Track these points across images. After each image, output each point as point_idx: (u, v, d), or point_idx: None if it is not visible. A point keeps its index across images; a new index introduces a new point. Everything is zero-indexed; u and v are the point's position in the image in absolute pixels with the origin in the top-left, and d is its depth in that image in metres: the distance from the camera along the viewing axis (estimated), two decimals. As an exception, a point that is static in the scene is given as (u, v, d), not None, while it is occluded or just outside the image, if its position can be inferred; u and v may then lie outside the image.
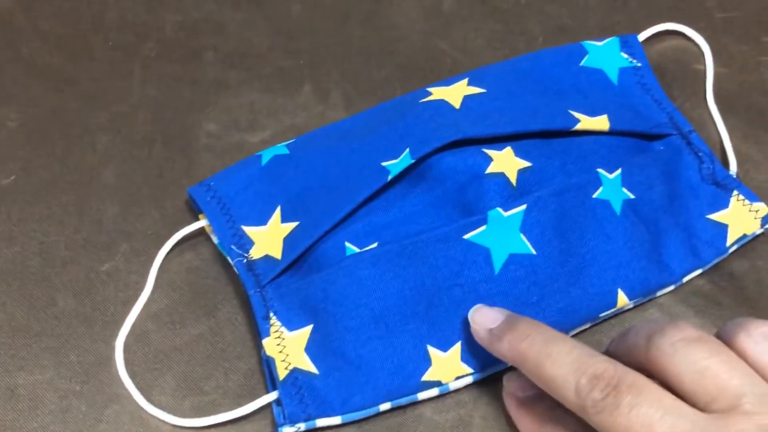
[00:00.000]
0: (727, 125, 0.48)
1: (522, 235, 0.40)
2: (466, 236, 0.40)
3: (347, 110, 0.48)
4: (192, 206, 0.44)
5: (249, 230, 0.42)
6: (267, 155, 0.44)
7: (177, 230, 0.43)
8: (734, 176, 0.45)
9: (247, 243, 0.41)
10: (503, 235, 0.40)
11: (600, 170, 0.43)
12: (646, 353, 0.32)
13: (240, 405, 0.38)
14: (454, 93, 0.45)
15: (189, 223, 0.43)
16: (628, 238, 0.41)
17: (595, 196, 0.42)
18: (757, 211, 0.43)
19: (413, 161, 0.41)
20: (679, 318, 0.42)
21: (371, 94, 0.49)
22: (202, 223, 0.43)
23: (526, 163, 0.42)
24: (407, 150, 0.41)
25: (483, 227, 0.40)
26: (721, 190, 0.44)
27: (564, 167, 0.43)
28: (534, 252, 0.40)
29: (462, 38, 0.51)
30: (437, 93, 0.45)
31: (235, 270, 0.41)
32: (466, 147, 0.42)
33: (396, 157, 0.42)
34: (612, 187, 0.42)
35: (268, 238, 0.41)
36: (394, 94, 0.49)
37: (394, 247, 0.40)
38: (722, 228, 0.43)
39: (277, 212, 0.42)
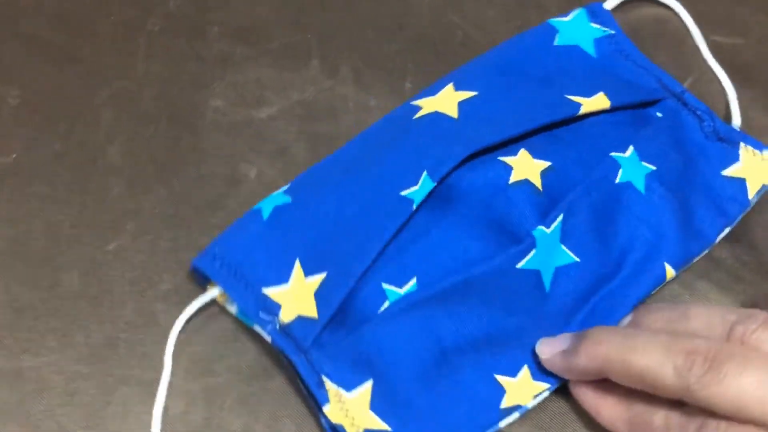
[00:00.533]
0: (746, 97, 0.47)
1: (563, 246, 0.39)
2: (519, 265, 0.39)
3: (357, 84, 0.47)
4: (197, 276, 0.40)
5: (272, 292, 0.38)
6: (267, 208, 0.40)
7: (188, 218, 0.42)
8: (737, 129, 0.45)
9: (273, 307, 0.38)
10: (549, 252, 0.39)
11: (614, 154, 0.42)
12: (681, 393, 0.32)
13: None
14: (445, 101, 0.43)
15: (199, 201, 0.42)
16: (660, 212, 0.41)
17: (617, 181, 0.41)
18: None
19: (435, 185, 0.39)
20: (701, 294, 0.41)
21: (381, 68, 0.48)
22: (214, 293, 0.39)
23: (546, 163, 0.41)
24: (424, 174, 0.39)
25: (533, 251, 0.39)
26: (727, 145, 0.44)
27: (580, 159, 0.42)
28: (577, 259, 0.40)
29: (474, 11, 0.50)
30: (427, 105, 0.43)
31: (267, 338, 0.38)
32: (480, 157, 0.41)
33: (414, 183, 0.39)
34: (631, 166, 0.42)
35: (296, 296, 0.38)
36: (405, 68, 0.48)
37: (443, 286, 0.38)
38: (740, 182, 0.43)
39: (297, 267, 0.39)
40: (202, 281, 0.40)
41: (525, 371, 0.38)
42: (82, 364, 0.39)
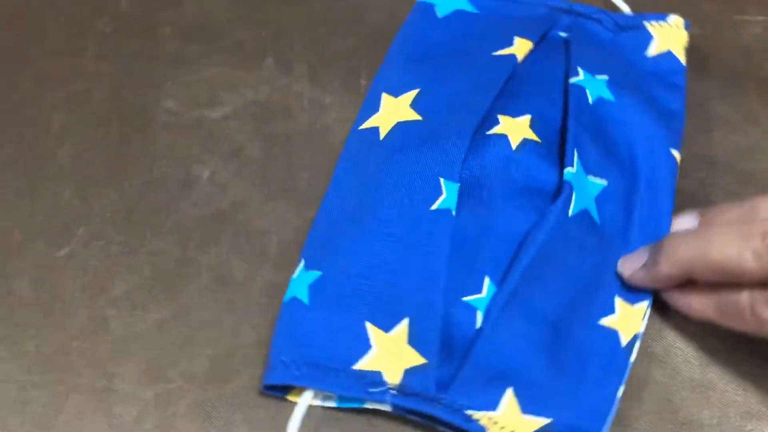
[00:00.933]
0: (705, 87, 0.47)
1: (590, 177, 0.41)
2: (570, 212, 0.39)
3: (312, 82, 0.46)
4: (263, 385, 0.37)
5: (363, 365, 0.36)
6: (301, 292, 0.38)
7: (139, 222, 0.41)
8: (631, 14, 0.48)
9: (374, 376, 0.35)
10: (583, 188, 0.40)
11: (573, 80, 0.43)
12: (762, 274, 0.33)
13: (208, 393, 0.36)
14: (398, 110, 0.43)
15: (151, 204, 0.42)
16: (635, 109, 0.43)
17: (591, 101, 0.43)
18: (675, 23, 0.47)
19: (459, 184, 0.39)
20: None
21: (337, 65, 0.47)
22: (308, 398, 0.36)
23: (527, 117, 0.42)
24: (442, 180, 0.39)
25: (574, 195, 0.39)
26: (635, 31, 0.47)
27: (550, 99, 0.44)
28: (605, 182, 0.41)
29: (429, 5, 0.49)
30: (383, 122, 0.42)
31: (388, 407, 0.36)
32: (473, 145, 0.41)
33: (439, 193, 0.39)
34: (592, 84, 0.43)
35: (390, 354, 0.36)
36: (360, 64, 0.47)
37: (520, 268, 0.37)
38: (667, 54, 0.46)
39: (372, 328, 0.36)
40: (278, 392, 0.37)
41: (620, 302, 0.38)
42: (33, 372, 0.38)
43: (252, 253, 0.41)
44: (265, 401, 0.37)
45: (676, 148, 0.43)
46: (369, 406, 0.36)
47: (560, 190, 0.39)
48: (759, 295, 0.33)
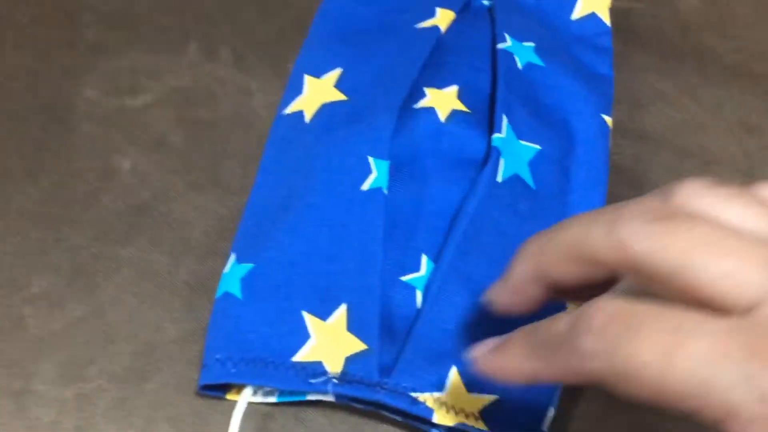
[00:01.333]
0: (642, 62, 0.46)
1: (522, 142, 0.40)
2: (499, 178, 0.38)
3: (237, 67, 0.45)
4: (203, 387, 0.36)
5: (303, 356, 0.35)
6: (233, 287, 0.36)
7: (57, 216, 0.40)
8: None
9: (315, 367, 0.34)
10: (515, 153, 0.39)
11: (500, 46, 0.43)
12: (615, 252, 0.25)
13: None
14: (323, 92, 0.41)
15: (69, 198, 0.40)
16: (564, 74, 0.43)
17: (520, 67, 0.42)
18: None
19: (389, 162, 0.38)
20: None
21: (264, 50, 0.46)
22: (247, 395, 0.35)
23: (454, 88, 0.42)
24: (371, 159, 0.38)
25: (502, 161, 0.38)
26: None
27: (478, 67, 0.43)
28: (538, 146, 0.40)
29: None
30: (307, 105, 0.41)
31: (331, 398, 0.35)
32: (401, 120, 0.39)
33: (369, 173, 0.38)
34: (519, 50, 0.43)
35: (330, 342, 0.35)
36: (289, 47, 0.46)
37: (455, 242, 0.36)
38: (591, 16, 0.46)
39: (309, 317, 0.35)
40: (216, 391, 0.36)
41: None
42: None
43: (174, 245, 0.40)
44: (188, 399, 0.36)
45: (607, 113, 0.42)
46: (312, 397, 0.35)
47: (488, 156, 0.38)
48: (581, 321, 0.24)
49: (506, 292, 0.30)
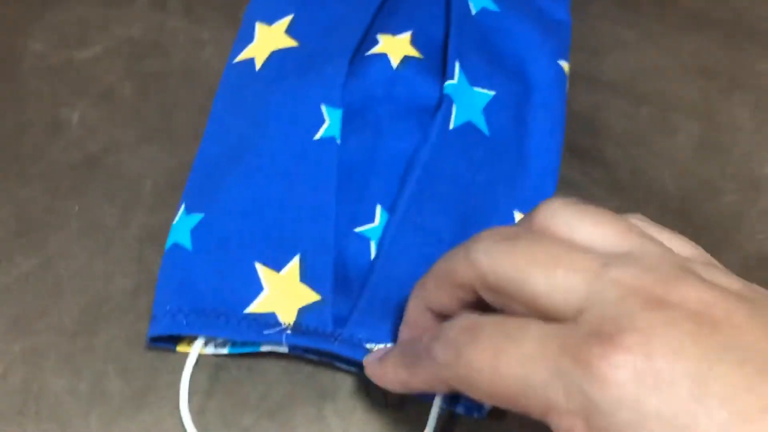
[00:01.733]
0: (600, 9, 0.45)
1: (476, 88, 0.39)
2: (451, 125, 0.38)
3: (188, 17, 0.44)
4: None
5: (255, 307, 0.34)
6: (182, 237, 0.36)
7: (5, 169, 0.39)
8: None
9: (268, 318, 0.34)
10: (468, 100, 0.39)
11: None
12: (469, 271, 0.27)
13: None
14: (273, 38, 0.40)
15: (17, 152, 0.40)
16: (520, 20, 0.42)
17: (473, 13, 0.42)
18: None
19: (342, 110, 0.37)
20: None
21: (215, -2, 0.45)
22: (197, 350, 0.34)
23: (407, 34, 0.41)
24: (323, 107, 0.37)
25: (454, 107, 0.38)
26: None
27: (431, 13, 0.42)
28: (492, 92, 0.40)
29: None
30: (258, 52, 0.40)
31: (284, 349, 0.35)
32: (352, 66, 0.39)
33: (322, 122, 0.37)
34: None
35: (283, 294, 0.34)
36: (240, -4, 0.45)
37: (411, 192, 0.36)
38: None
39: (262, 268, 0.35)
40: (166, 343, 0.35)
41: (520, 216, 0.37)
42: None
43: (124, 198, 0.39)
44: (139, 351, 0.35)
45: (565, 58, 0.42)
46: (264, 349, 0.35)
47: (440, 104, 0.38)
48: (438, 334, 0.27)
49: (406, 329, 0.32)
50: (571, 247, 0.26)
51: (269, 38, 0.40)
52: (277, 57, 0.40)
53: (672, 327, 0.23)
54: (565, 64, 0.41)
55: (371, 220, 0.37)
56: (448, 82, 0.38)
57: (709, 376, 0.22)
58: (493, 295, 0.27)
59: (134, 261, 0.37)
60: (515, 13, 0.42)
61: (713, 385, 0.22)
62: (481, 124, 0.38)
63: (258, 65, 0.40)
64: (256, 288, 0.34)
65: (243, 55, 0.40)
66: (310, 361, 0.35)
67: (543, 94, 0.40)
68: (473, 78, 0.39)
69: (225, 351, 0.35)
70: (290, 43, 0.40)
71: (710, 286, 0.24)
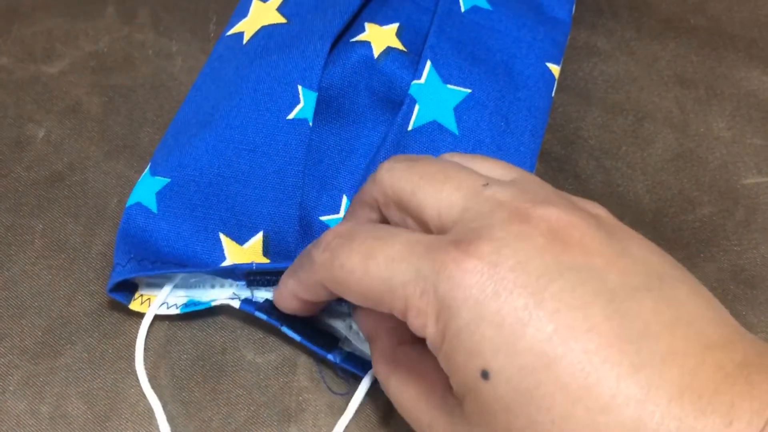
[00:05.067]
0: (575, 16, 0.45)
1: (449, 86, 0.39)
2: (410, 126, 0.37)
3: (156, 30, 0.43)
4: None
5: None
6: (147, 199, 0.36)
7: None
8: None
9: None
10: (438, 99, 0.38)
11: None
12: (376, 187, 0.30)
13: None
14: (264, 14, 0.40)
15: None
16: (514, 19, 0.41)
17: (463, 10, 0.41)
18: None
19: (317, 93, 0.37)
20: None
21: (183, 10, 0.44)
22: (167, 291, 0.35)
23: (394, 25, 0.40)
24: (300, 87, 0.37)
25: (417, 107, 0.38)
26: None
27: (419, 6, 0.42)
28: (468, 90, 0.39)
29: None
30: (248, 27, 0.40)
31: (236, 305, 0.35)
32: (335, 51, 0.39)
33: (297, 102, 0.37)
34: None
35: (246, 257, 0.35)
36: (210, 7, 0.44)
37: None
38: None
39: (226, 239, 0.35)
40: (121, 297, 0.36)
41: None
42: None
43: (89, 215, 0.39)
44: (102, 373, 0.35)
45: (555, 61, 0.41)
46: (216, 303, 0.35)
47: (402, 103, 0.38)
48: (319, 240, 0.29)
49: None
50: (462, 168, 0.28)
51: (261, 14, 0.40)
52: (264, 32, 0.39)
53: (524, 240, 0.24)
54: (554, 67, 0.41)
55: (336, 210, 0.37)
56: (414, 82, 0.38)
57: (546, 290, 0.24)
58: (392, 210, 0.29)
59: (98, 280, 0.37)
60: (508, 11, 0.42)
61: (547, 300, 0.23)
62: (450, 122, 0.38)
63: (245, 39, 0.39)
64: (218, 256, 0.35)
65: (235, 29, 0.40)
66: (274, 383, 0.35)
67: (527, 94, 0.39)
68: (447, 75, 0.39)
69: (177, 311, 0.35)
70: (279, 19, 0.39)
71: (575, 210, 0.26)
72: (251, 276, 0.35)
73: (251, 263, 0.34)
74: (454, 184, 0.27)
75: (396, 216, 0.29)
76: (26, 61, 0.42)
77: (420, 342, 0.30)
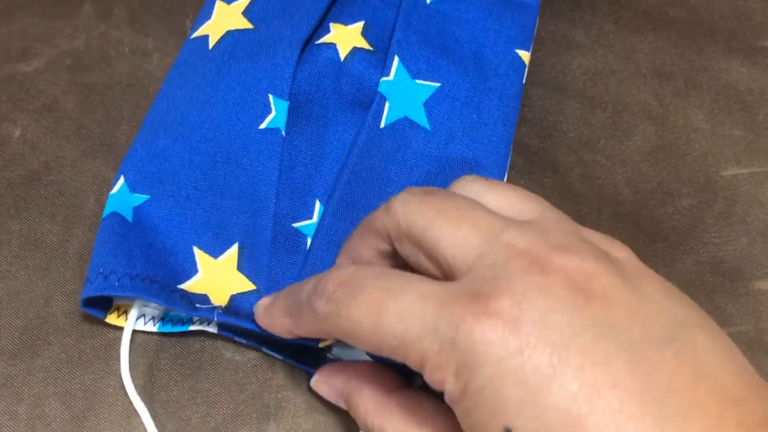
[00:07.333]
0: (553, 9, 0.45)
1: (418, 81, 0.38)
2: (382, 124, 0.37)
3: (132, 27, 0.43)
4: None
5: (188, 286, 0.34)
6: (124, 211, 0.35)
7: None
8: None
9: (200, 298, 0.34)
10: (407, 95, 0.38)
11: None
12: (387, 219, 0.29)
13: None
14: (229, 18, 0.40)
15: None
16: (481, 6, 0.41)
17: (428, 1, 0.41)
18: None
19: (288, 102, 0.37)
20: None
21: (159, 6, 0.44)
22: (133, 320, 0.35)
23: (360, 24, 0.40)
24: (271, 97, 0.37)
25: (387, 105, 0.37)
26: None
27: (384, 2, 0.41)
28: (437, 84, 0.39)
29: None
30: (213, 30, 0.39)
31: (213, 329, 0.35)
32: (303, 56, 0.38)
33: (268, 112, 0.37)
34: None
35: (218, 279, 0.34)
36: (185, 4, 0.44)
37: (340, 190, 0.36)
38: None
39: (199, 253, 0.35)
40: (97, 311, 0.35)
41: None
42: None
43: (67, 214, 0.38)
44: (80, 374, 0.35)
45: (524, 48, 0.40)
46: (193, 328, 0.35)
47: (372, 102, 0.38)
48: (320, 284, 0.28)
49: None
50: (479, 207, 0.27)
51: (226, 17, 0.40)
52: (230, 38, 0.39)
53: (545, 294, 0.24)
54: (524, 54, 0.40)
55: (310, 216, 0.37)
56: (383, 79, 0.38)
57: (570, 345, 0.23)
58: (404, 245, 0.28)
59: (75, 279, 0.37)
60: (475, 0, 0.41)
61: (572, 356, 0.23)
62: (421, 118, 0.38)
63: (211, 44, 0.39)
64: (191, 270, 0.35)
65: (199, 32, 0.40)
66: (253, 381, 0.35)
67: (497, 82, 0.39)
68: (416, 70, 0.39)
69: (154, 329, 0.35)
70: (246, 24, 0.39)
71: (596, 257, 0.25)
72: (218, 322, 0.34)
73: (213, 312, 0.33)
74: (470, 223, 0.26)
75: (408, 250, 0.28)
76: (2, 59, 0.42)
77: (411, 387, 0.30)
